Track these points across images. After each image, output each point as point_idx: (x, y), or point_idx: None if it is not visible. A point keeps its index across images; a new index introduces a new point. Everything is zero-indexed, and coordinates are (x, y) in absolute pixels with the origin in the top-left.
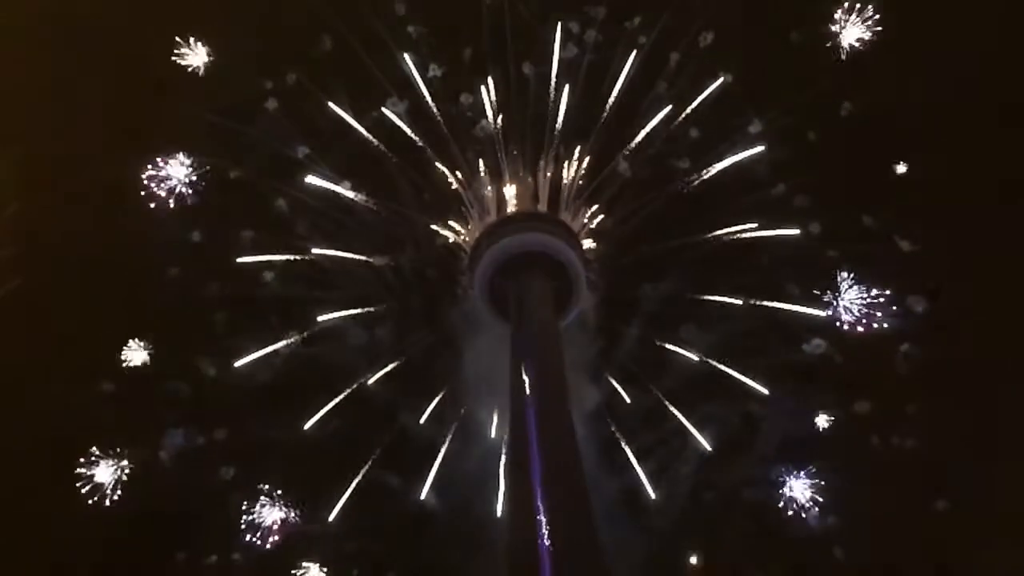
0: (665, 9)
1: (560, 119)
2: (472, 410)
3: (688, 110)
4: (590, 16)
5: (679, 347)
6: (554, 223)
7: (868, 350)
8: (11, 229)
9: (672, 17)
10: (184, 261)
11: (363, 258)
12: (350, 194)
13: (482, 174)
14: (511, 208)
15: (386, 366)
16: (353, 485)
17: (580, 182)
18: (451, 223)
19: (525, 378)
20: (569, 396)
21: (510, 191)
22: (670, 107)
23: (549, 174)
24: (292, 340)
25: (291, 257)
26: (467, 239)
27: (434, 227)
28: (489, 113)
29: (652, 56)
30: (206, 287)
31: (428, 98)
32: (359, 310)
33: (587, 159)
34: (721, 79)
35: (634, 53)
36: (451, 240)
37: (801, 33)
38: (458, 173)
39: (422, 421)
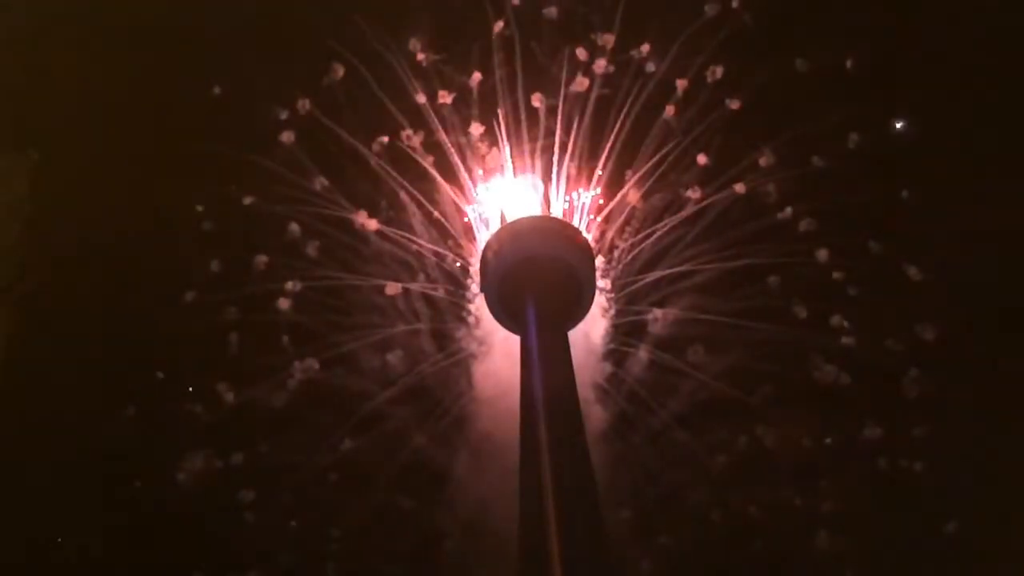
0: (674, 38)
1: (570, 146)
2: (485, 428)
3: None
4: (597, 45)
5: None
6: (562, 224)
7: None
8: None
9: (680, 48)
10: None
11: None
12: (368, 222)
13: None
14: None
15: (399, 389)
16: None
17: (591, 198)
18: (461, 244)
19: (534, 382)
20: (579, 401)
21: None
22: (680, 136)
23: (560, 192)
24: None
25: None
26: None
27: (443, 251)
28: (500, 139)
29: (661, 84)
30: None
31: (438, 126)
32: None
33: (599, 177)
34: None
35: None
36: (460, 263)
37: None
38: (467, 197)
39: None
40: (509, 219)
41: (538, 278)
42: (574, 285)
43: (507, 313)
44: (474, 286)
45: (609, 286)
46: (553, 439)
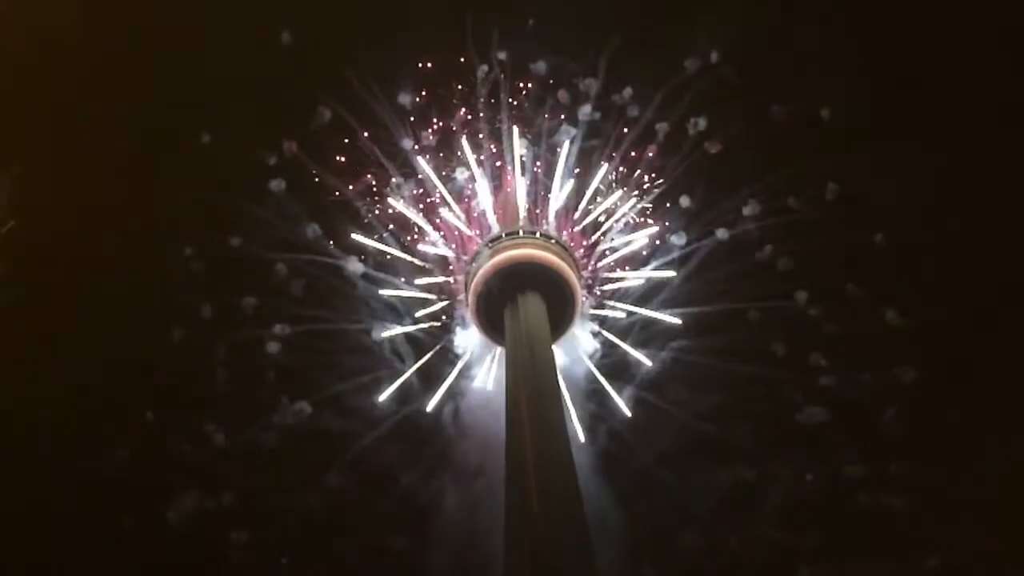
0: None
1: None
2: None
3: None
4: (580, 91)
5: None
6: (548, 239)
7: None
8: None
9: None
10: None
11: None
12: (355, 268)
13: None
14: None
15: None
16: None
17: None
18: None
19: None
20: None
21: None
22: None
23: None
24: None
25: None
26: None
27: (428, 294)
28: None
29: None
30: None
31: (424, 168)
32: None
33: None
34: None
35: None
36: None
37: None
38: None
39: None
40: (495, 237)
41: (524, 289)
42: (559, 297)
43: (493, 325)
44: (459, 325)
45: (596, 327)
46: (539, 447)
